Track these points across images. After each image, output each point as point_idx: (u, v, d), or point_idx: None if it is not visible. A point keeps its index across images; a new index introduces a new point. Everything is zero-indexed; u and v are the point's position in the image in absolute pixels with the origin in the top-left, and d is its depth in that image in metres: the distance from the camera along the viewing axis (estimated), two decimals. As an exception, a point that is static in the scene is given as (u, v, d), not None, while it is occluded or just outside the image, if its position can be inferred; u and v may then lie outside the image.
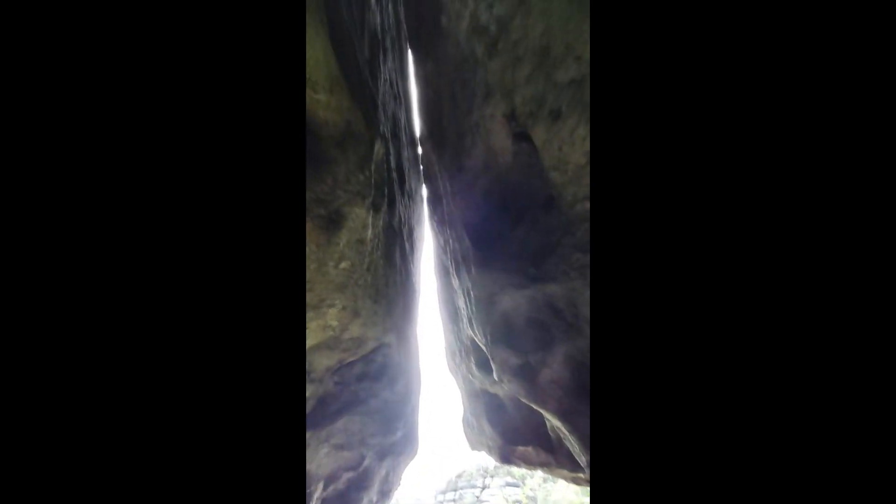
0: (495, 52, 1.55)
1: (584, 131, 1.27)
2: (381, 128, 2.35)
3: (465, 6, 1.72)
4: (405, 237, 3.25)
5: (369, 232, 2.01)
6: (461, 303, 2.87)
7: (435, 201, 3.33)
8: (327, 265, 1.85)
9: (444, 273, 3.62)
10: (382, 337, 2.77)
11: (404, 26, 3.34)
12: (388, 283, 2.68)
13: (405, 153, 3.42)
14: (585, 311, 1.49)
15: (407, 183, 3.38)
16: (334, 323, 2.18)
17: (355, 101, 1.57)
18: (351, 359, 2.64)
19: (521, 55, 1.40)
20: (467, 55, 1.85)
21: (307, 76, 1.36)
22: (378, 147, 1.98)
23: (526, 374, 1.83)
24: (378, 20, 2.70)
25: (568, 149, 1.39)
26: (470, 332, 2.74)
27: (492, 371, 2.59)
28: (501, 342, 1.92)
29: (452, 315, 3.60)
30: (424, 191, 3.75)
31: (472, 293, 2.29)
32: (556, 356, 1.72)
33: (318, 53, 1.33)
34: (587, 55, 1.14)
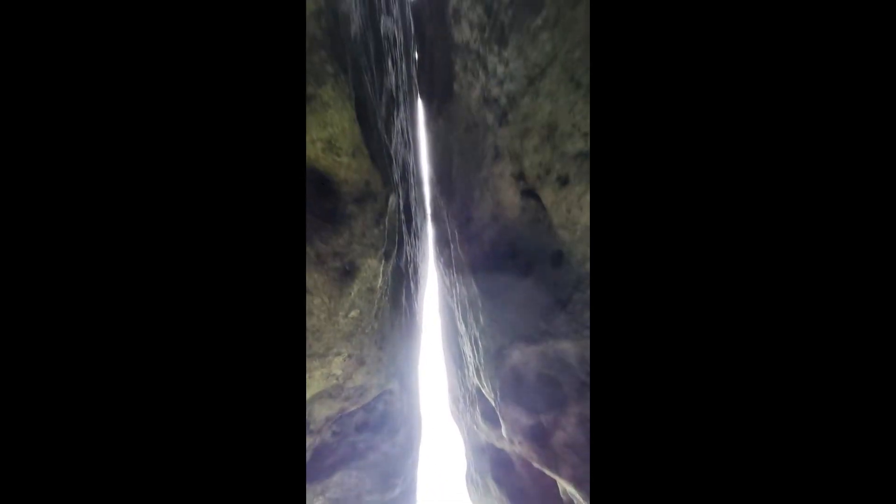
0: (505, 122, 1.69)
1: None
2: (395, 179, 2.49)
3: (476, 79, 1.91)
4: (410, 276, 3.28)
5: (380, 280, 2.05)
6: (467, 349, 2.82)
7: (442, 243, 3.41)
8: (337, 315, 1.86)
9: (449, 313, 3.59)
10: (385, 384, 2.69)
11: (416, 81, 3.64)
12: (393, 327, 2.66)
13: (413, 193, 3.57)
14: (599, 372, 1.47)
15: (414, 222, 3.48)
16: (338, 372, 2.14)
17: (375, 163, 1.70)
18: (352, 408, 2.55)
19: (529, 127, 1.53)
20: (478, 120, 2.01)
21: (333, 142, 1.48)
22: (392, 200, 2.09)
23: (538, 436, 1.75)
24: (393, 80, 2.97)
25: (576, 211, 1.46)
26: (476, 382, 2.66)
27: (499, 424, 2.47)
28: (512, 399, 1.86)
29: (457, 358, 3.51)
30: (430, 227, 3.85)
31: (479, 343, 2.27)
32: (569, 417, 1.66)
33: (344, 123, 1.47)
34: (592, 134, 1.25)
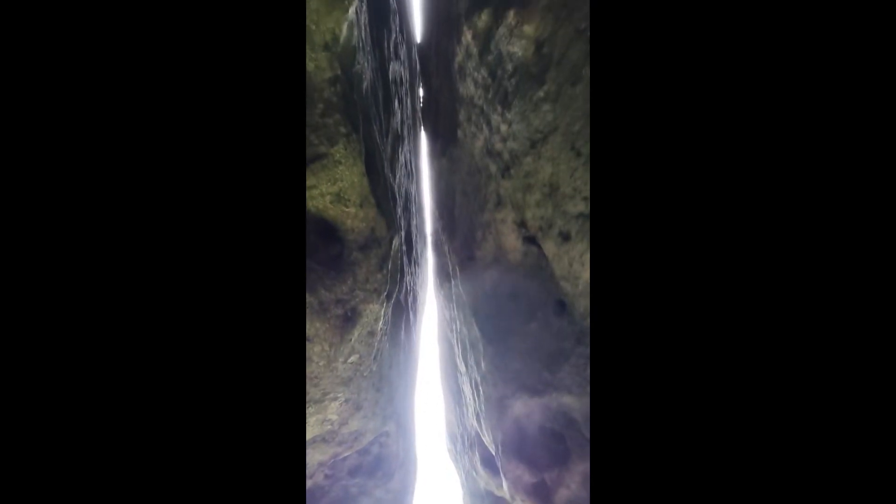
0: (508, 175, 1.77)
1: (592, 258, 1.39)
2: (398, 215, 2.55)
3: (480, 130, 2.01)
4: (410, 307, 3.27)
5: (380, 322, 2.05)
6: (467, 390, 2.77)
7: (442, 276, 3.43)
8: (337, 361, 1.85)
9: (448, 347, 3.55)
10: (382, 426, 2.61)
11: (420, 116, 3.80)
12: (391, 366, 2.62)
13: (414, 220, 3.63)
14: (603, 430, 1.45)
15: (414, 250, 3.51)
16: (334, 417, 2.09)
17: (380, 209, 1.75)
18: (346, 453, 2.46)
19: (532, 183, 1.60)
20: (481, 167, 2.10)
21: (342, 195, 1.54)
22: (395, 242, 2.13)
23: (541, 494, 1.70)
24: (399, 117, 3.11)
25: (578, 267, 1.50)
26: (476, 426, 2.59)
27: (499, 473, 2.38)
28: (514, 454, 1.81)
29: (455, 394, 3.43)
30: (430, 254, 3.88)
31: (480, 389, 2.24)
32: (573, 475, 1.62)
33: (354, 178, 1.54)
34: (593, 198, 1.31)
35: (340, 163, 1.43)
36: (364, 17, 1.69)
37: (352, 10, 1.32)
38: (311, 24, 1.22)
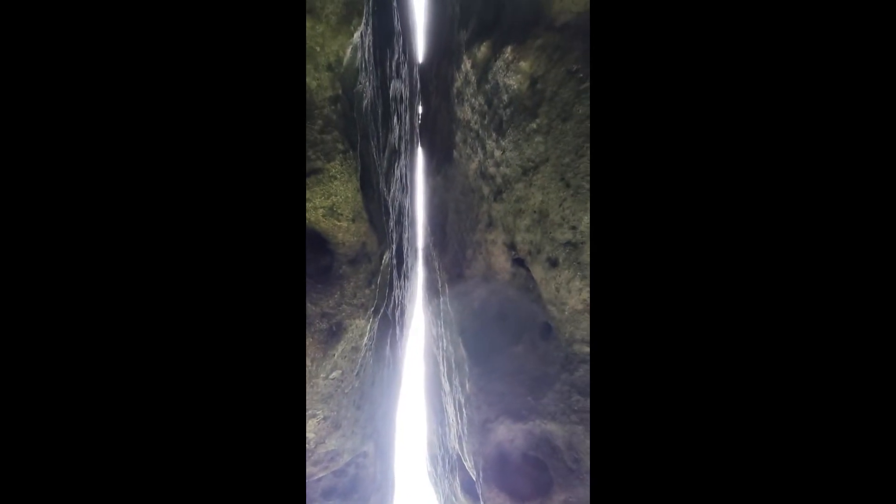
0: (500, 199, 1.82)
1: (580, 284, 1.44)
2: (390, 228, 2.57)
3: (475, 153, 2.08)
4: (397, 321, 3.24)
5: (366, 338, 2.03)
6: (451, 410, 2.73)
7: (431, 292, 3.43)
8: (318, 377, 1.81)
9: (433, 364, 3.51)
10: (360, 446, 2.53)
11: (418, 132, 3.89)
12: (374, 382, 2.57)
13: (406, 234, 3.65)
14: (586, 459, 1.45)
15: (405, 263, 3.51)
16: (311, 435, 2.02)
17: (373, 224, 1.77)
18: (321, 474, 2.37)
19: (522, 209, 1.66)
20: (474, 188, 2.16)
21: (335, 209, 1.56)
22: (386, 256, 2.15)
23: (520, 525, 1.67)
24: (397, 133, 3.18)
25: (564, 293, 1.54)
26: (458, 449, 2.54)
27: (479, 499, 2.33)
28: (495, 483, 1.79)
29: (439, 415, 3.37)
30: (420, 268, 3.88)
31: (464, 411, 2.21)
32: (553, 504, 1.60)
33: (348, 193, 1.56)
34: (582, 226, 1.37)
35: (336, 178, 1.46)
36: (368, 40, 1.76)
37: (357, 35, 1.38)
38: (315, 46, 1.27)
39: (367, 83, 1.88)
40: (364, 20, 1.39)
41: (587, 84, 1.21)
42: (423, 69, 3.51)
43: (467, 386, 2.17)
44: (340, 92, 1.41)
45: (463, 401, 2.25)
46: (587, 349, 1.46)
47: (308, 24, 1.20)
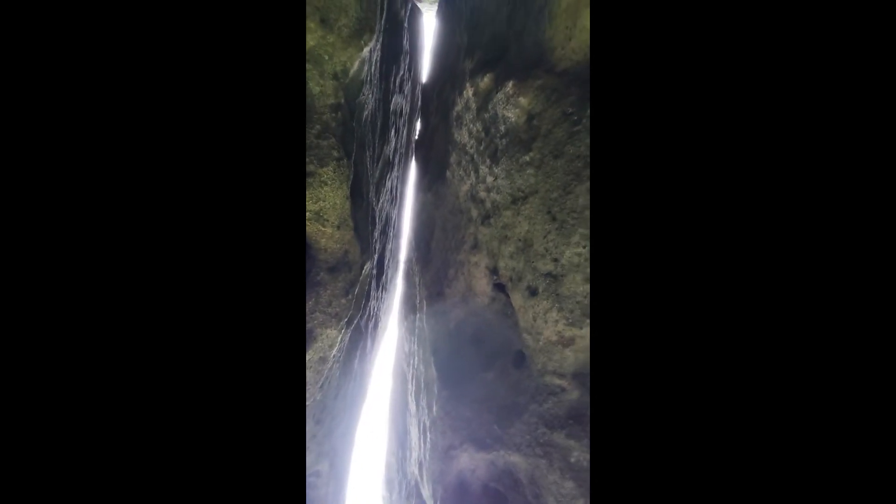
0: (487, 223, 1.87)
1: (557, 316, 1.48)
2: (375, 237, 2.55)
3: (467, 176, 2.14)
4: (369, 333, 3.16)
5: (335, 349, 1.97)
6: (414, 432, 2.64)
7: (408, 307, 3.39)
8: (279, 386, 1.72)
9: (402, 382, 3.42)
10: (315, 464, 2.39)
11: (413, 147, 3.96)
12: (337, 397, 2.47)
13: (390, 245, 3.62)
14: (546, 495, 1.44)
15: (385, 275, 3.47)
16: (262, 450, 1.89)
17: (357, 233, 1.76)
18: (266, 494, 2.19)
19: (508, 235, 1.71)
20: (463, 209, 2.20)
21: (322, 214, 1.55)
22: (367, 267, 2.12)
23: (474, 563, 1.60)
24: (393, 146, 3.22)
25: (541, 322, 1.57)
26: (417, 475, 2.45)
27: (434, 532, 2.23)
28: (453, 514, 1.73)
29: (401, 436, 3.25)
30: (400, 280, 3.84)
31: (428, 435, 2.15)
32: (510, 542, 1.56)
33: (336, 199, 1.55)
34: (563, 260, 1.42)
35: (326, 184, 1.45)
36: (377, 55, 1.82)
37: (366, 50, 1.42)
38: (324, 55, 1.30)
39: (371, 95, 1.93)
40: (375, 37, 1.45)
41: (580, 127, 1.30)
42: (426, 88, 3.62)
43: (434, 409, 2.12)
44: (343, 101, 1.44)
45: (428, 424, 2.19)
46: (559, 381, 1.49)
47: (319, 34, 1.23)
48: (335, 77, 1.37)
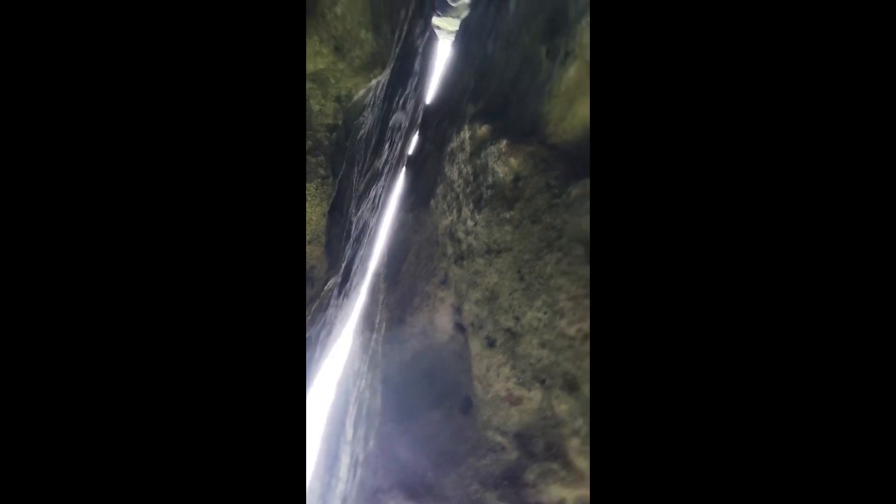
0: (460, 264, 1.92)
1: (509, 373, 1.52)
2: (343, 253, 2.50)
3: (450, 211, 2.20)
4: (319, 342, 3.03)
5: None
6: (345, 461, 2.53)
7: (367, 323, 3.31)
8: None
9: (344, 400, 3.28)
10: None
11: (405, 160, 3.99)
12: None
13: (362, 251, 3.55)
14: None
15: (349, 282, 3.38)
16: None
17: (328, 251, 1.73)
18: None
19: (477, 282, 1.76)
20: (440, 242, 2.25)
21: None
22: (331, 282, 2.07)
23: None
24: (385, 158, 3.24)
25: (493, 375, 1.61)
26: (340, 509, 2.33)
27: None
28: (367, 563, 1.65)
29: (331, 461, 3.08)
30: (363, 291, 3.75)
31: (359, 469, 2.07)
32: None
33: (313, 215, 1.53)
34: (524, 320, 1.49)
35: (307, 200, 1.43)
36: (384, 80, 1.87)
37: (374, 81, 1.46)
38: (330, 78, 1.32)
39: (370, 115, 1.95)
40: (386, 70, 1.49)
41: (559, 201, 1.40)
42: (428, 110, 3.72)
43: (371, 443, 2.06)
44: (340, 122, 1.45)
45: (361, 458, 2.11)
46: (500, 438, 1.51)
47: (330, 59, 1.25)
48: (338, 100, 1.39)
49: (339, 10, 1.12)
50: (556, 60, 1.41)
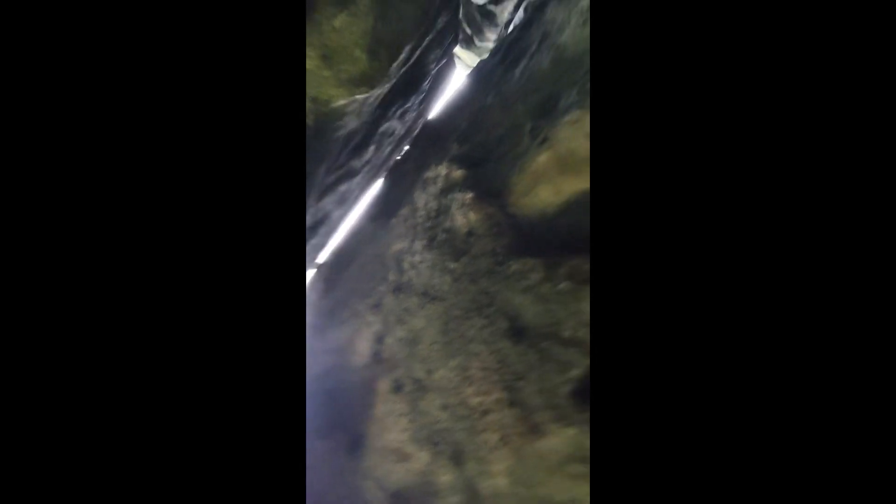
0: (396, 295, 1.88)
1: (406, 425, 1.49)
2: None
3: (406, 236, 2.18)
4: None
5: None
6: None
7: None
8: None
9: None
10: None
11: (391, 165, 3.94)
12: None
13: (314, 240, 3.39)
14: None
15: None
16: None
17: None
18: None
19: (405, 321, 1.73)
20: (387, 265, 2.20)
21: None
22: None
23: None
24: (367, 159, 3.17)
25: (391, 423, 1.56)
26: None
27: None
28: None
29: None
30: (307, 282, 3.57)
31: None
32: None
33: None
34: (435, 376, 1.47)
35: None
36: (375, 95, 1.85)
37: (358, 96, 1.44)
38: (312, 80, 1.27)
39: (355, 120, 1.92)
40: (374, 90, 1.48)
41: (498, 270, 1.44)
42: (427, 126, 3.74)
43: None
44: (312, 123, 1.40)
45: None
46: (379, 493, 1.45)
47: (316, 63, 1.22)
48: (313, 101, 1.34)
49: (337, 23, 1.10)
50: (535, 140, 1.49)
